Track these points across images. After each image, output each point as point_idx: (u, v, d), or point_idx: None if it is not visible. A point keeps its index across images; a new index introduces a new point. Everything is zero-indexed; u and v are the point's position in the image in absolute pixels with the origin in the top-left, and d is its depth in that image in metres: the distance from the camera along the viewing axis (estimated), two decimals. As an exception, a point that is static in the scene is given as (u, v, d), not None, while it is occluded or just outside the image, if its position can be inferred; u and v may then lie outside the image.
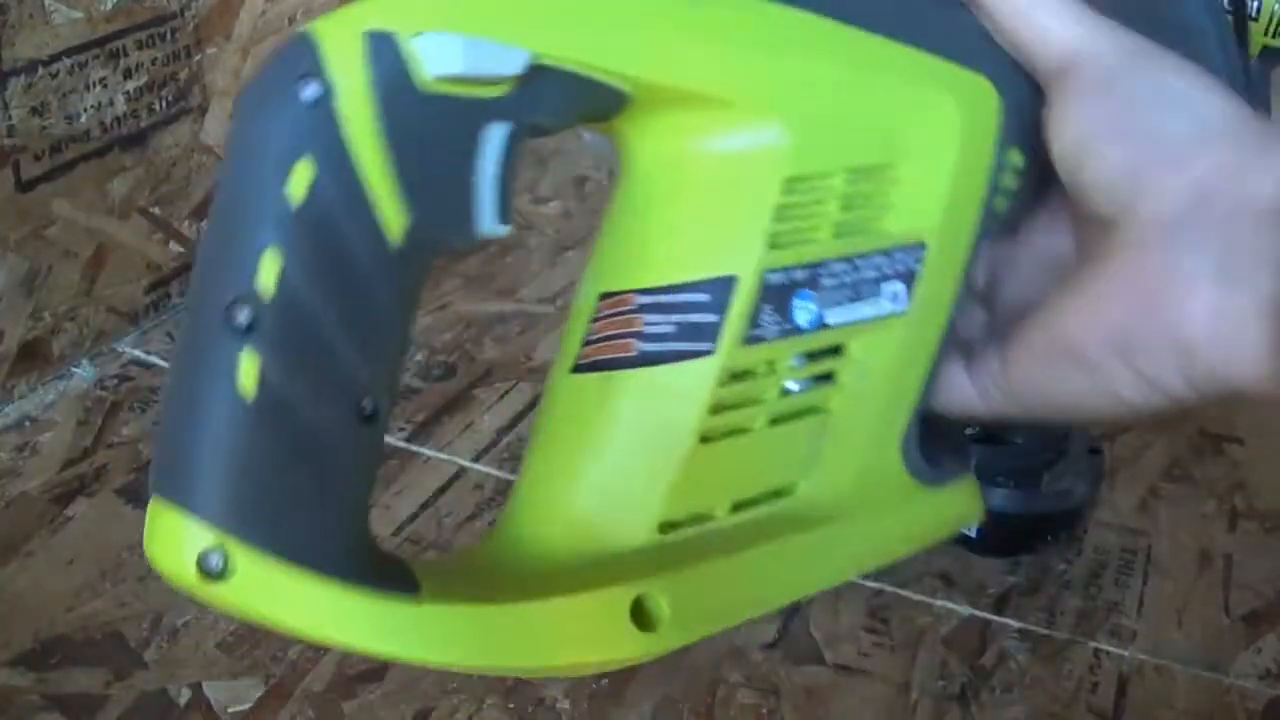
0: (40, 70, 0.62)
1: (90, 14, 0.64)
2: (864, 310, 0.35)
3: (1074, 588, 0.57)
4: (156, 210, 0.71)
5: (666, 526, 0.34)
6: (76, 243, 0.66)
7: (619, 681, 0.51)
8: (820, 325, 0.34)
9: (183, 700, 0.49)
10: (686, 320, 0.33)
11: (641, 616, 0.32)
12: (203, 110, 0.72)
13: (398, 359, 0.30)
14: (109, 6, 0.65)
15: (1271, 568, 0.58)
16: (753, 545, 0.34)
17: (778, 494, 0.36)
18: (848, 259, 0.34)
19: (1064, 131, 0.34)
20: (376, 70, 0.26)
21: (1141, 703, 0.51)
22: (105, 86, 0.66)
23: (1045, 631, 0.54)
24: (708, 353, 0.33)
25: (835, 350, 0.35)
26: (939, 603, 0.55)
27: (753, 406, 0.34)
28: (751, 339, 0.33)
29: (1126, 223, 0.33)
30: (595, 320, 0.33)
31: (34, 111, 0.62)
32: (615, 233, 0.34)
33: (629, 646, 0.32)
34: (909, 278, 0.35)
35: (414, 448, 0.64)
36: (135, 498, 0.59)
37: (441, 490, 0.61)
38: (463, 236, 0.29)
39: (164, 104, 0.70)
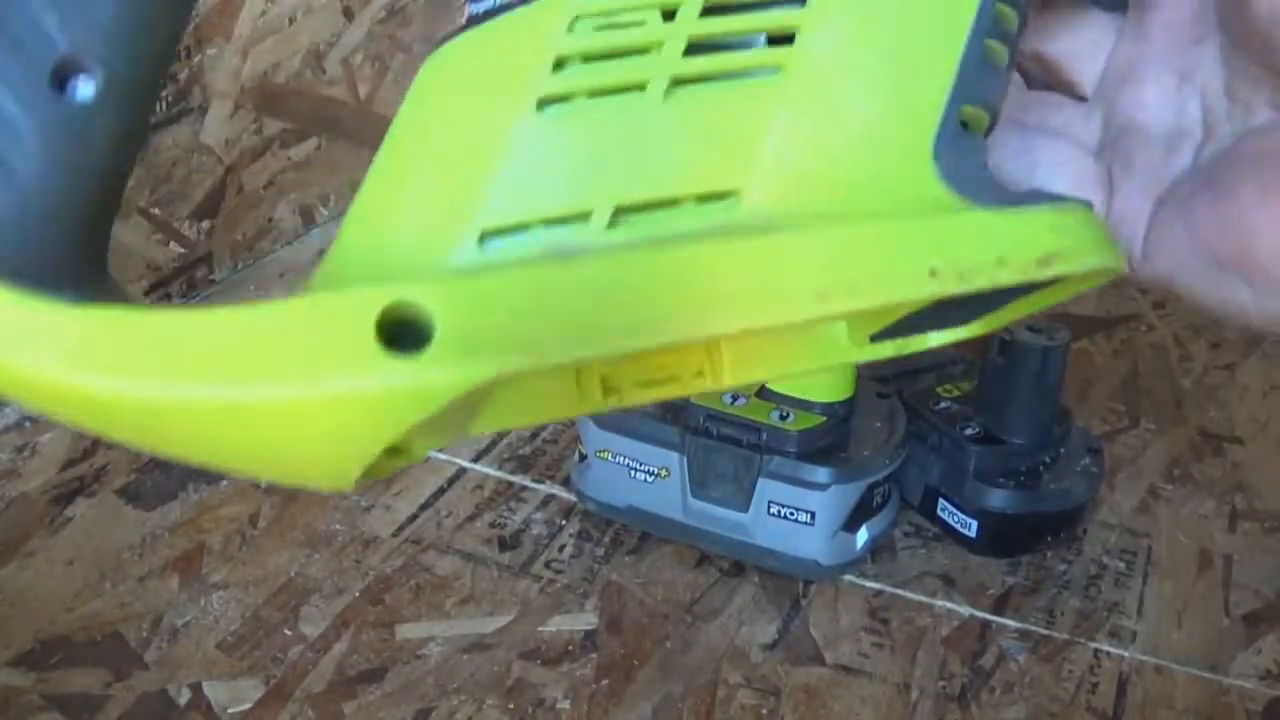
0: (40, 70, 0.62)
1: (90, 14, 0.64)
2: None
3: (1074, 588, 0.57)
4: (156, 210, 0.71)
5: (491, 238, 0.24)
6: (76, 243, 0.66)
7: (619, 681, 0.51)
8: None
9: (183, 700, 0.49)
10: None
11: (401, 333, 0.22)
12: (203, 110, 0.72)
13: (125, 13, 0.23)
14: (109, 7, 0.65)
15: (1271, 568, 0.58)
16: (633, 252, 0.23)
17: (702, 205, 0.25)
18: None
19: None
20: None
21: (1141, 703, 0.51)
22: (105, 87, 0.66)
23: (1045, 632, 0.54)
24: None
25: None
26: (939, 603, 0.55)
27: (628, 69, 0.25)
28: None
29: None
30: None
31: (34, 112, 0.62)
32: None
33: (366, 367, 0.22)
34: None
35: (414, 448, 0.64)
36: (135, 498, 0.59)
37: (441, 490, 0.61)
38: None
39: (164, 104, 0.70)
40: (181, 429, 0.23)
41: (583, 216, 0.24)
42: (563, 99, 0.25)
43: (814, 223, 0.24)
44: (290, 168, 0.80)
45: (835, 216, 0.24)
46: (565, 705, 0.50)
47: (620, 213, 0.24)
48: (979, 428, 0.57)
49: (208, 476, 0.61)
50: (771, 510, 0.54)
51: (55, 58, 0.22)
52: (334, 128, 0.83)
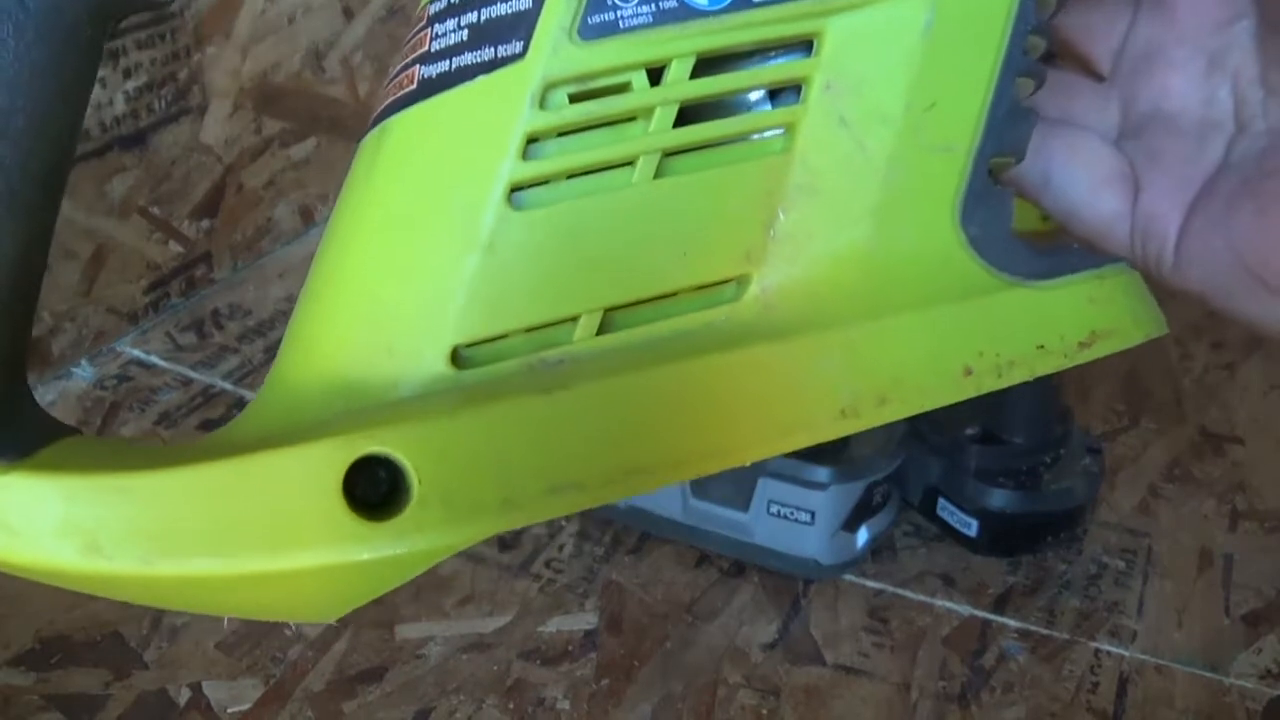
0: (40, 70, 0.62)
1: (90, 14, 0.64)
2: None
3: (1074, 588, 0.56)
4: (156, 210, 0.71)
5: (464, 354, 0.22)
6: (76, 243, 0.66)
7: (619, 681, 0.51)
8: (739, 1, 0.21)
9: (182, 700, 0.49)
10: (485, 18, 0.21)
11: (370, 492, 0.21)
12: (203, 110, 0.72)
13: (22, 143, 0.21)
14: (109, 6, 0.65)
15: (1271, 568, 0.58)
16: (630, 371, 0.21)
17: (704, 299, 0.22)
18: None
19: None
20: None
21: (1141, 703, 0.51)
22: (105, 86, 0.66)
23: (1045, 631, 0.54)
24: (513, 57, 0.21)
25: (786, 47, 0.22)
26: (939, 603, 0.55)
27: (613, 143, 0.22)
28: (591, 30, 0.21)
29: None
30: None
31: (34, 111, 0.62)
32: None
33: (337, 538, 0.20)
34: None
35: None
36: (135, 498, 0.59)
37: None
38: None
39: (164, 104, 0.70)
40: (148, 595, 0.22)
41: (568, 321, 0.21)
42: (537, 184, 0.21)
43: (828, 319, 0.21)
44: (290, 167, 0.80)
45: (853, 309, 0.21)
46: (565, 705, 0.50)
47: (610, 312, 0.21)
48: (979, 427, 0.57)
49: (207, 476, 0.61)
50: (771, 510, 0.54)
51: None
52: (334, 127, 0.83)
